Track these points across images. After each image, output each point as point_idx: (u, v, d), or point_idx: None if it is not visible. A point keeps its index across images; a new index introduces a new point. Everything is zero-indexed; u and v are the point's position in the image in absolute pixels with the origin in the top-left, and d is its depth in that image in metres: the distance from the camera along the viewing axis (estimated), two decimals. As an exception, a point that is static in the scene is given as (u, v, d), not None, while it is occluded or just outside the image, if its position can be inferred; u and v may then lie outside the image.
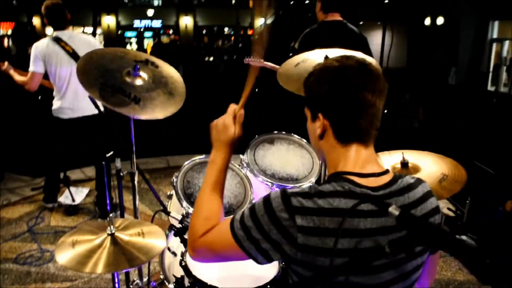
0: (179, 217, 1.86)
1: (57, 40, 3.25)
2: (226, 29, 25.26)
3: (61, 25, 3.32)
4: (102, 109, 3.32)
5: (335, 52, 2.31)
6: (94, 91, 1.74)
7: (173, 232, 1.86)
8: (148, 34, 23.36)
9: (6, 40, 19.27)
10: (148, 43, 21.89)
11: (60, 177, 3.92)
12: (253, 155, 2.27)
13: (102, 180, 3.68)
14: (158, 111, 1.82)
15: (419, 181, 1.15)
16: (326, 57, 2.23)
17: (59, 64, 3.26)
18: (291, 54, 3.46)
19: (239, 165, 2.24)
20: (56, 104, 3.41)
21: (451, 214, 3.76)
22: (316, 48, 3.11)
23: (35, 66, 3.23)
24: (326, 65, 1.12)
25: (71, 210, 3.80)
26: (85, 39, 3.37)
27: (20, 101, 3.32)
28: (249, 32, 23.50)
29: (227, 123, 1.25)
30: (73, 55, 3.28)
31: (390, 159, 2.19)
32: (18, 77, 3.34)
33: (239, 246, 1.07)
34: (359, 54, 1.18)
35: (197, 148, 5.19)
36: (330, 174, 1.14)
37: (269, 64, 3.71)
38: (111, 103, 1.73)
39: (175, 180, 2.01)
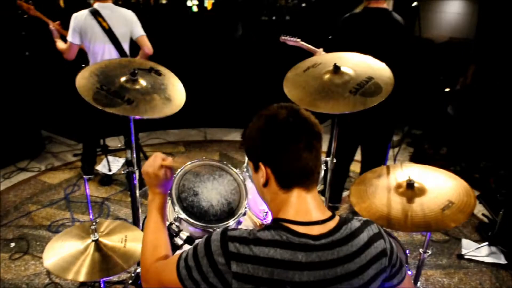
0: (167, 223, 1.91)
1: (95, 14, 3.24)
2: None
3: None
4: None
5: (346, 60, 2.17)
6: (89, 95, 1.80)
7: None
8: (211, -10, 23.16)
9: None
10: (208, 1, 21.78)
11: (97, 147, 4.11)
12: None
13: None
14: (150, 111, 1.86)
15: (366, 224, 1.16)
16: (335, 65, 2.10)
17: (93, 40, 3.28)
18: (330, 37, 3.30)
19: (241, 171, 2.23)
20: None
21: (485, 220, 3.53)
22: (356, 36, 2.96)
23: (73, 37, 3.25)
24: (260, 117, 1.15)
25: (106, 180, 4.05)
26: (123, 15, 3.35)
27: (69, 66, 3.44)
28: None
29: (155, 172, 1.34)
30: (109, 32, 3.30)
31: (400, 175, 2.08)
32: (59, 44, 3.39)
33: (182, 284, 1.11)
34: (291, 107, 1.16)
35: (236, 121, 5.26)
36: (272, 220, 1.15)
37: (306, 44, 3.56)
38: (102, 104, 1.78)
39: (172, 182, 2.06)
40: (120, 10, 3.39)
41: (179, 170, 2.09)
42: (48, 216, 3.46)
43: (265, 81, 4.38)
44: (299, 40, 3.56)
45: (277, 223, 1.10)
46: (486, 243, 3.15)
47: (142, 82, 1.95)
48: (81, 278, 1.61)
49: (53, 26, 3.42)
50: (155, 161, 1.35)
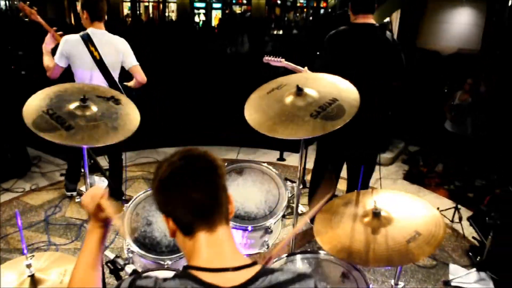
0: (112, 255, 1.82)
1: (87, 42, 3.15)
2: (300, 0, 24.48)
3: (99, 17, 3.20)
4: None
5: (307, 82, 2.08)
6: (30, 118, 1.74)
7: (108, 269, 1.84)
8: (217, 5, 23.34)
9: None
10: (216, 15, 21.90)
11: (81, 164, 4.04)
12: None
13: (115, 170, 3.80)
14: (87, 139, 1.78)
15: (299, 279, 1.03)
16: (298, 87, 2.01)
17: (81, 66, 3.19)
18: (318, 53, 3.22)
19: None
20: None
21: (476, 243, 3.37)
22: (342, 52, 2.90)
23: (59, 60, 3.17)
24: (158, 169, 1.10)
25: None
26: (115, 44, 3.25)
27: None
28: (322, 4, 22.58)
29: (93, 209, 1.28)
30: (99, 61, 3.18)
31: (369, 201, 1.98)
32: (46, 59, 3.26)
33: None
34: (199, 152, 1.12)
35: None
36: (182, 267, 1.09)
37: (290, 64, 3.49)
38: (38, 128, 1.73)
39: (124, 210, 1.98)
40: (113, 39, 3.26)
41: (133, 198, 2.02)
42: (25, 239, 3.39)
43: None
44: (283, 60, 3.49)
45: (185, 271, 1.02)
46: (474, 268, 3.00)
47: (93, 109, 1.88)
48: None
49: (52, 36, 3.27)
50: (93, 197, 1.29)
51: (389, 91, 3.03)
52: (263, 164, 2.26)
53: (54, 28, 3.33)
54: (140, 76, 3.28)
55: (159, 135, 5.60)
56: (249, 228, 1.99)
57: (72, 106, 1.86)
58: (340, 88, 2.08)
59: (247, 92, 2.13)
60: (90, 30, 3.18)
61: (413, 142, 5.62)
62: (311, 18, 19.78)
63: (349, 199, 2.08)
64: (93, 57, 3.16)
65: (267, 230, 2.03)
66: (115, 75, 3.30)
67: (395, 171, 4.97)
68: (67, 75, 3.31)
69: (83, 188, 4.12)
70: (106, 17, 3.24)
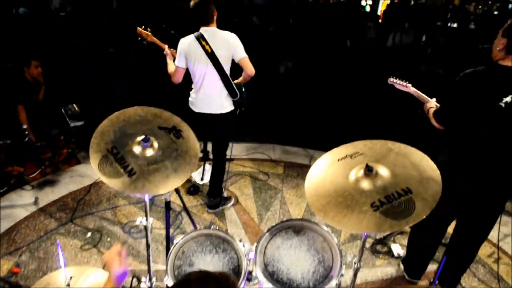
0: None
1: (199, 38, 3.39)
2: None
3: (205, 21, 3.41)
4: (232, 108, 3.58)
5: (388, 157, 1.78)
6: (97, 157, 1.86)
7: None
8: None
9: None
10: (383, 1, 20.52)
11: None
12: (268, 241, 2.07)
13: (217, 172, 3.95)
14: (148, 187, 1.84)
15: None
16: (367, 166, 1.75)
17: (196, 62, 3.43)
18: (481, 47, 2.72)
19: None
20: (191, 96, 3.71)
21: None
22: (477, 100, 2.32)
23: (178, 61, 3.48)
24: None
25: (193, 190, 4.24)
26: (226, 38, 3.41)
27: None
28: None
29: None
30: (211, 55, 3.42)
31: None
32: (170, 66, 3.64)
33: None
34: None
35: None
36: None
37: (417, 91, 3.05)
38: (103, 172, 1.83)
39: (172, 246, 2.04)
40: (223, 34, 3.44)
41: (184, 234, 2.06)
42: (128, 214, 3.80)
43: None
44: (409, 85, 3.09)
45: None
46: None
47: (155, 146, 1.94)
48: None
49: (167, 50, 3.70)
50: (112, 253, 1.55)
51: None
52: (323, 225, 2.07)
53: (166, 45, 3.71)
54: (249, 69, 3.41)
55: (279, 131, 5.61)
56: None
57: (135, 142, 1.94)
58: (423, 176, 1.74)
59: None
60: (202, 29, 3.40)
61: None
62: (496, 12, 17.10)
63: None
64: (206, 52, 3.35)
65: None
66: (227, 68, 3.44)
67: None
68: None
69: (194, 174, 4.41)
70: (215, 18, 3.42)
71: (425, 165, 1.78)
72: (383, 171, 1.77)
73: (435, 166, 1.76)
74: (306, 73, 7.38)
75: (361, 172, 1.78)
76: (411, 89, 3.09)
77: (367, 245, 3.58)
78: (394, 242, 3.60)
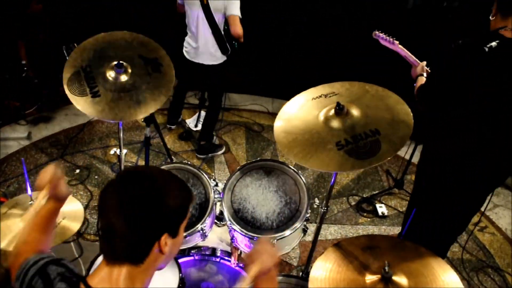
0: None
1: None
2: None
3: None
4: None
5: (364, 99, 1.71)
6: (69, 71, 1.84)
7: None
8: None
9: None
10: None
11: (181, 99, 4.23)
12: (238, 179, 2.04)
13: (209, 117, 3.92)
14: (107, 112, 1.81)
15: None
16: (338, 104, 1.68)
17: (191, 7, 3.37)
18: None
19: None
20: (186, 41, 3.63)
21: None
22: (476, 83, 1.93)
23: None
24: None
25: (186, 136, 4.22)
26: None
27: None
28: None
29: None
30: (205, 7, 3.30)
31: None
32: None
33: None
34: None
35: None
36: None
37: (404, 50, 2.72)
38: (70, 88, 1.81)
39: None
40: None
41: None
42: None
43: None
44: (396, 42, 2.76)
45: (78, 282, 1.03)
46: None
47: (128, 72, 1.89)
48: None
49: None
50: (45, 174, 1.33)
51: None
52: (298, 172, 2.03)
53: None
54: (234, 28, 3.26)
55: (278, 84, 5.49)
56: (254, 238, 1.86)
57: (110, 65, 1.90)
58: (394, 118, 1.67)
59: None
60: None
61: None
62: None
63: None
64: (201, 2, 3.26)
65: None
66: (217, 17, 3.33)
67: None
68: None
69: (188, 120, 4.38)
70: None
71: (399, 108, 1.71)
72: (355, 112, 1.71)
73: (409, 110, 1.69)
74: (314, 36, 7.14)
75: (332, 111, 1.72)
76: (398, 47, 2.76)
77: (352, 202, 3.56)
78: (380, 202, 3.57)
